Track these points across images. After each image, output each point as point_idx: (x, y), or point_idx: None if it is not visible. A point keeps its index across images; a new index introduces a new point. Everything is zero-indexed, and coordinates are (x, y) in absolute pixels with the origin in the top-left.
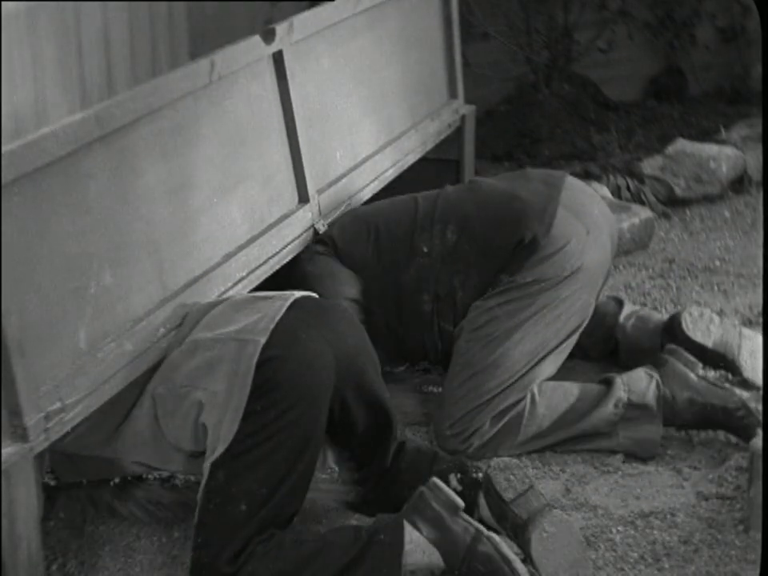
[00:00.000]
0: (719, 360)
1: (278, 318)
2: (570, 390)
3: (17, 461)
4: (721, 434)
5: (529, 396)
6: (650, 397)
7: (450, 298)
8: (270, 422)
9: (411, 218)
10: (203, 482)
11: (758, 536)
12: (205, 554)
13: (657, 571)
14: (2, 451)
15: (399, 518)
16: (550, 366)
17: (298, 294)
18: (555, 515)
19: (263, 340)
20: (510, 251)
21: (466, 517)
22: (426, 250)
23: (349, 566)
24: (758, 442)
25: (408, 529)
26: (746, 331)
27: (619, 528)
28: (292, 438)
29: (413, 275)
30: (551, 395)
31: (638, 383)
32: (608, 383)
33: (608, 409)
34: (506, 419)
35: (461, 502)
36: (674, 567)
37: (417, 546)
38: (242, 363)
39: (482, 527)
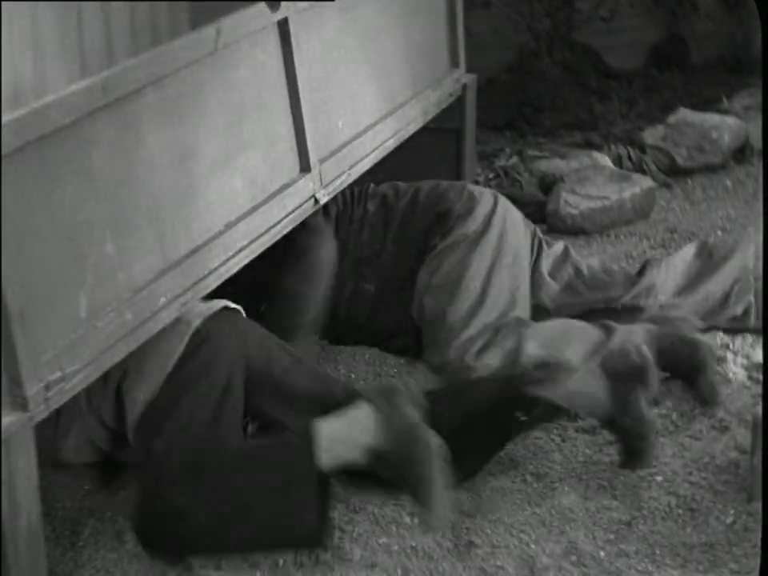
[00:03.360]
0: None
1: (211, 312)
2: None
3: (17, 430)
4: (721, 407)
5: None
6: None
7: (371, 260)
8: (190, 376)
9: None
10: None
11: (759, 506)
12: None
13: (659, 537)
14: (2, 420)
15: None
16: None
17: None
18: None
19: (197, 323)
20: (431, 221)
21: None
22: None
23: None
24: (759, 410)
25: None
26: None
27: None
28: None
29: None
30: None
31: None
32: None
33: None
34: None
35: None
36: (672, 534)
37: (367, 422)
38: (173, 340)
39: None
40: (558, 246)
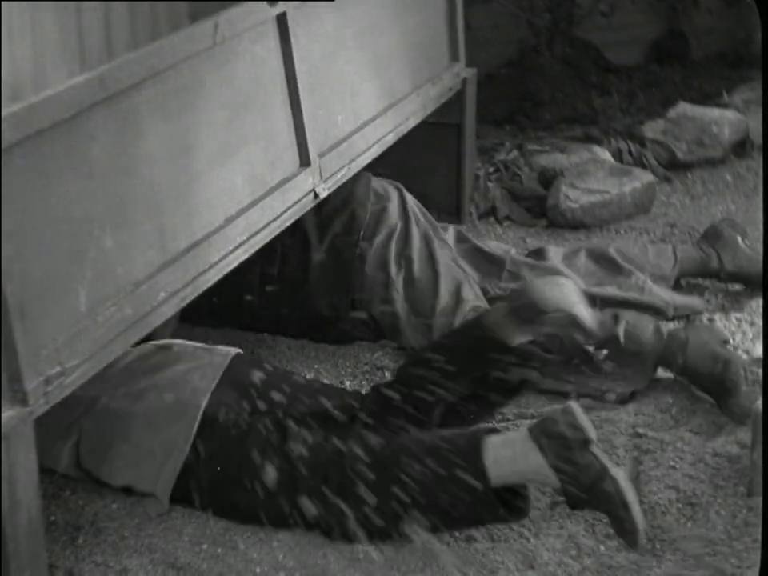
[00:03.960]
0: None
1: (217, 378)
2: None
3: (16, 425)
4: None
5: None
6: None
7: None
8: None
9: None
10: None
11: (759, 500)
12: None
13: (659, 531)
14: (2, 415)
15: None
16: None
17: (234, 350)
18: None
19: (204, 404)
20: (341, 220)
21: (596, 451)
22: None
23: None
24: (759, 405)
25: (534, 448)
26: None
27: None
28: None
29: None
30: None
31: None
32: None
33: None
34: None
35: (593, 435)
36: (673, 528)
37: (540, 468)
38: (183, 425)
39: (608, 465)
40: (450, 232)
